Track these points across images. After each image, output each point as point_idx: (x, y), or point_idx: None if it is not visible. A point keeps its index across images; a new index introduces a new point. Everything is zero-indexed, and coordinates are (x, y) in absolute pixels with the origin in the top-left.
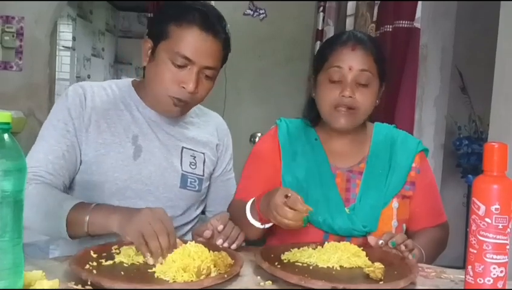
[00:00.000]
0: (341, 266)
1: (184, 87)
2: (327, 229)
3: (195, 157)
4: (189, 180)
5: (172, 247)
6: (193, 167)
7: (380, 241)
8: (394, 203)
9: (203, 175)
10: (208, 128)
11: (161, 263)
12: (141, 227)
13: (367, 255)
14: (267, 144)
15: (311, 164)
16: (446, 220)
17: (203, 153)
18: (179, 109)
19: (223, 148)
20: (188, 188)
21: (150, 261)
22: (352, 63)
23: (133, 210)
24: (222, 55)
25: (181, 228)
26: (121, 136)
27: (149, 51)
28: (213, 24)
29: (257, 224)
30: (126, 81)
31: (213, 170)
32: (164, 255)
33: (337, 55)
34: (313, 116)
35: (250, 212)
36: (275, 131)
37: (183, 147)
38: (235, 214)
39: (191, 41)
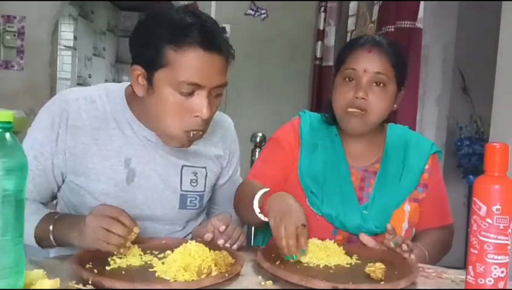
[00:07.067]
0: (341, 266)
1: (198, 116)
2: (338, 225)
3: (196, 173)
4: (188, 199)
5: (131, 227)
6: (194, 184)
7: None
8: (406, 207)
9: (204, 190)
10: (212, 138)
11: (128, 247)
12: (94, 235)
13: (367, 255)
14: (288, 133)
15: (330, 159)
16: (452, 223)
17: (205, 168)
18: (192, 142)
19: (229, 157)
20: (188, 207)
21: (123, 251)
22: (367, 65)
23: (83, 223)
24: (227, 67)
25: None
26: (113, 160)
27: (143, 80)
28: (215, 39)
29: (261, 216)
30: (119, 90)
31: (217, 179)
32: (128, 239)
33: (353, 57)
34: (332, 116)
35: (258, 202)
36: (298, 122)
37: (183, 166)
38: (243, 195)
39: (196, 65)
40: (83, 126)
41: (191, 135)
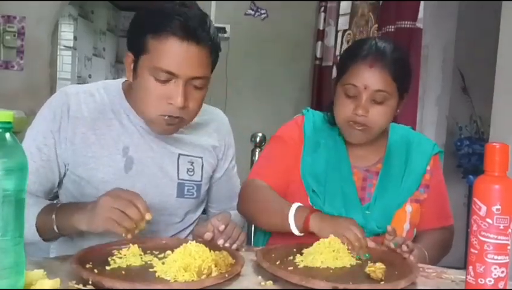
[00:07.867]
0: (341, 267)
1: (171, 103)
2: None
3: (192, 163)
4: (186, 188)
5: (144, 212)
6: (191, 173)
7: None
8: (408, 207)
9: (201, 180)
10: (207, 129)
11: (137, 232)
12: (107, 215)
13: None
14: (292, 130)
15: (332, 158)
16: (453, 224)
17: (201, 158)
18: (173, 127)
19: (224, 149)
20: (186, 196)
21: (129, 236)
22: (368, 81)
23: (93, 203)
24: (210, 61)
25: (180, 234)
26: (111, 149)
27: (132, 66)
28: (195, 30)
29: (296, 232)
30: (116, 84)
31: (214, 171)
32: (139, 226)
33: (354, 70)
34: (333, 117)
35: (295, 219)
36: (302, 119)
37: (179, 154)
38: (257, 197)
39: (172, 54)
40: (82, 117)
41: (167, 120)
